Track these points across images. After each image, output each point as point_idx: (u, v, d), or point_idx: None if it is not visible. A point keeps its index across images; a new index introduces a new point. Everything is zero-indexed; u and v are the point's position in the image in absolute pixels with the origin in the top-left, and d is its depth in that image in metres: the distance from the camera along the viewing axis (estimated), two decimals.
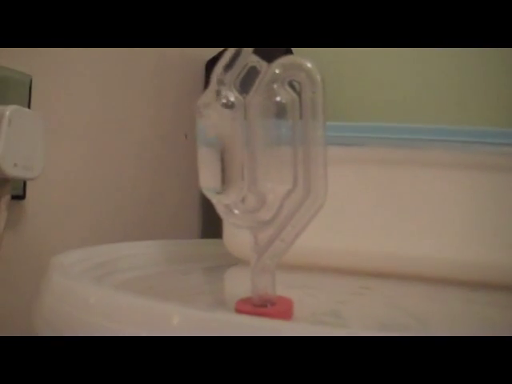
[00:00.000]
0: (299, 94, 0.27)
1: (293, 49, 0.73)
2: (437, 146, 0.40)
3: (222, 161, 0.28)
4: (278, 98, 0.27)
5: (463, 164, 0.40)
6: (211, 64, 0.75)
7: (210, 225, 0.78)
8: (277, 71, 0.27)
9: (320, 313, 0.32)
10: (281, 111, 0.28)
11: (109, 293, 0.28)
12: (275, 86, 0.27)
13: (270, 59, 0.28)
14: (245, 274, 0.30)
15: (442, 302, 0.37)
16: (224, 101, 0.28)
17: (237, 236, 0.45)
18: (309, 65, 0.27)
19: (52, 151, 0.51)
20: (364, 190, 0.42)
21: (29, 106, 0.48)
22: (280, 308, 0.29)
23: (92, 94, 0.58)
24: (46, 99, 0.51)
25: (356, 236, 0.42)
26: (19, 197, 0.48)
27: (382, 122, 0.41)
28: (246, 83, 0.28)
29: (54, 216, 0.53)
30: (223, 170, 0.28)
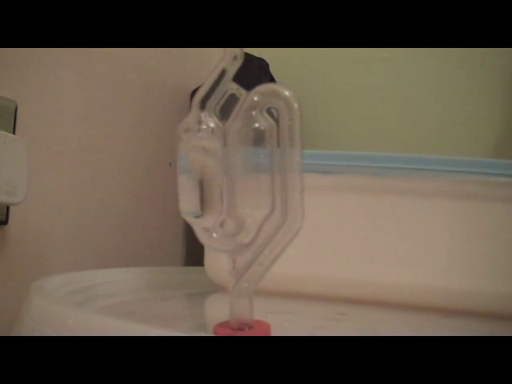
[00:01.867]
0: (277, 121, 0.28)
1: (275, 77, 0.75)
2: (415, 175, 0.41)
3: (201, 185, 0.29)
4: (257, 125, 0.28)
5: (441, 192, 0.41)
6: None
7: (193, 253, 0.79)
8: (255, 98, 0.28)
9: None
10: (259, 137, 0.28)
11: (87, 316, 0.29)
12: (254, 112, 0.28)
13: (249, 87, 0.29)
14: (226, 301, 0.30)
15: (416, 327, 0.37)
16: (204, 127, 0.28)
17: (218, 263, 0.45)
18: (286, 93, 0.28)
19: (36, 177, 0.51)
20: (343, 218, 0.43)
21: (14, 132, 0.49)
22: (257, 331, 0.29)
23: (77, 120, 0.59)
24: (30, 125, 0.52)
25: (334, 263, 0.42)
26: (2, 222, 0.48)
27: (361, 151, 0.42)
28: (225, 110, 0.29)
29: (37, 242, 0.53)
30: (202, 195, 0.29)
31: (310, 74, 0.81)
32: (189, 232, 0.79)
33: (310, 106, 0.78)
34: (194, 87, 0.79)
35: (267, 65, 0.79)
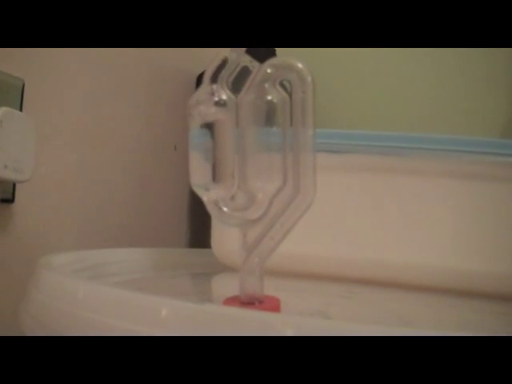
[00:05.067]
0: (290, 93, 0.28)
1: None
2: (424, 155, 0.41)
3: (213, 158, 0.29)
4: (269, 97, 0.28)
5: (449, 172, 0.41)
6: (202, 78, 0.76)
7: (198, 235, 0.79)
8: (268, 71, 0.28)
9: (307, 313, 0.32)
10: (271, 110, 0.28)
11: (97, 287, 0.28)
12: (266, 85, 0.28)
13: (262, 60, 0.29)
14: (233, 280, 0.30)
15: (427, 306, 0.37)
16: (216, 99, 0.28)
17: (226, 243, 0.45)
18: (300, 65, 0.28)
19: (42, 155, 0.51)
20: (350, 198, 0.43)
21: (21, 110, 0.48)
22: (267, 306, 0.29)
23: (84, 100, 0.59)
24: (37, 104, 0.51)
25: (343, 243, 0.42)
26: (8, 200, 0.48)
27: (370, 130, 0.42)
28: (238, 83, 0.29)
29: (43, 220, 0.53)
30: (213, 168, 0.29)
31: (317, 60, 0.81)
32: (194, 214, 0.79)
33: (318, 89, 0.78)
34: (200, 71, 0.78)
35: (274, 50, 0.79)
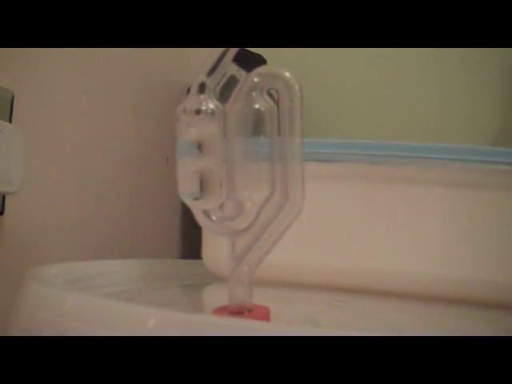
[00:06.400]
0: (277, 102, 0.28)
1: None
2: (415, 163, 0.41)
3: (201, 167, 0.29)
4: (257, 106, 0.28)
5: (440, 181, 0.41)
6: None
7: (190, 246, 0.78)
8: (256, 80, 0.28)
9: (297, 321, 0.32)
10: (259, 119, 0.28)
11: (84, 298, 0.28)
12: (254, 94, 0.28)
13: (249, 69, 0.29)
14: (224, 290, 0.30)
15: (417, 314, 0.37)
16: (204, 108, 0.28)
17: (217, 252, 0.45)
18: (287, 74, 0.28)
19: (32, 167, 0.51)
20: (340, 207, 0.43)
21: (10, 122, 0.48)
22: (257, 315, 0.29)
23: (73, 112, 0.59)
24: (27, 115, 0.51)
25: (332, 252, 0.42)
26: None
27: (360, 139, 0.42)
28: (225, 92, 0.29)
29: (33, 233, 0.53)
30: (202, 177, 0.29)
31: (308, 70, 0.81)
32: (186, 225, 0.79)
33: (307, 100, 0.78)
34: (191, 83, 0.79)
35: (265, 61, 0.79)
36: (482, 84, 0.77)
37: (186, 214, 0.75)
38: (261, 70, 0.28)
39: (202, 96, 0.29)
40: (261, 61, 0.80)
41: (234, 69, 0.29)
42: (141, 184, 0.71)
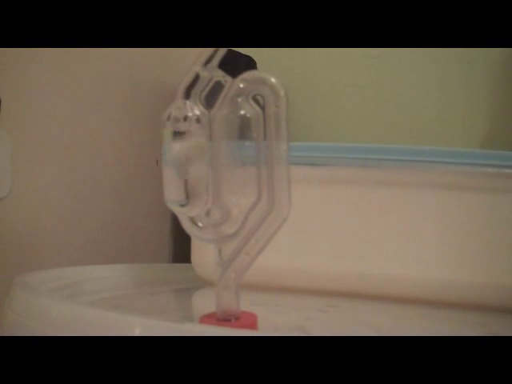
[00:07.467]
0: (263, 108, 0.28)
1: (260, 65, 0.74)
2: (405, 166, 0.41)
3: (187, 174, 0.28)
4: (243, 112, 0.28)
5: (430, 184, 0.41)
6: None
7: (180, 250, 0.78)
8: (241, 85, 0.28)
9: (285, 328, 0.32)
10: (245, 125, 0.28)
11: (70, 307, 0.28)
12: (239, 100, 0.28)
13: (234, 74, 0.29)
14: (213, 295, 0.30)
15: (407, 318, 0.37)
16: (189, 114, 0.28)
17: (205, 257, 0.44)
18: (273, 80, 0.28)
19: (21, 172, 0.50)
20: (330, 211, 0.42)
21: None
22: (244, 323, 0.29)
23: (62, 116, 0.58)
24: (15, 121, 0.51)
25: (322, 257, 0.42)
26: None
27: (349, 143, 0.42)
28: (210, 98, 0.29)
29: (22, 238, 0.53)
30: (188, 183, 0.28)
31: (298, 72, 0.81)
32: (176, 229, 0.79)
33: (296, 103, 0.78)
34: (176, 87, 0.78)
35: (255, 62, 0.79)
36: (471, 86, 0.77)
37: (177, 217, 0.74)
38: (246, 75, 0.28)
39: (188, 102, 0.28)
40: (251, 62, 0.80)
41: (219, 74, 0.28)
42: (130, 188, 0.71)
